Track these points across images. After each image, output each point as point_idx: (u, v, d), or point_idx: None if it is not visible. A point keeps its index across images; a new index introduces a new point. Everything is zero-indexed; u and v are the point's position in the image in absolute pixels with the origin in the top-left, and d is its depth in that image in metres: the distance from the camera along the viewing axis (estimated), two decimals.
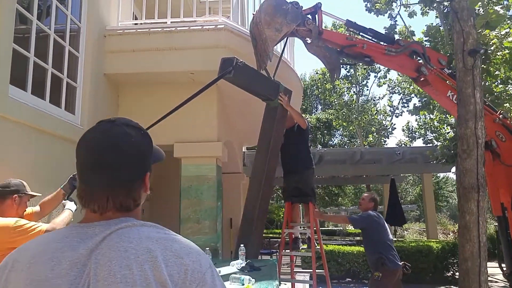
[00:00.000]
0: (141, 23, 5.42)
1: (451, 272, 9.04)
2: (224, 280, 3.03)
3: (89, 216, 0.89)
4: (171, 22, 4.99)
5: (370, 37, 4.81)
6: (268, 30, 3.94)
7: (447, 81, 4.85)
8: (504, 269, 5.11)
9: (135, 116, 5.31)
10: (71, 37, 4.30)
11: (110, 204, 0.87)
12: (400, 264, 4.34)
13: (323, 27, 4.48)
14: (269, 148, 4.59)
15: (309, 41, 4.38)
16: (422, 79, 4.74)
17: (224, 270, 3.47)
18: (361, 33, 4.90)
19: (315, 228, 4.86)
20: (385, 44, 4.71)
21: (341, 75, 22.49)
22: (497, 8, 3.60)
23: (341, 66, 4.67)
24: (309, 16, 4.30)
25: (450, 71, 4.89)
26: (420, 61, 4.75)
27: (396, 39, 5.00)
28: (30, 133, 3.42)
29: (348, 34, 4.58)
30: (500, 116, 4.81)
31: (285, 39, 4.53)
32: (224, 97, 5.46)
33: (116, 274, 0.77)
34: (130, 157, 0.90)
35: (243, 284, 2.84)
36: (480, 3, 3.51)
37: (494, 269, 9.40)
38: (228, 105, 5.97)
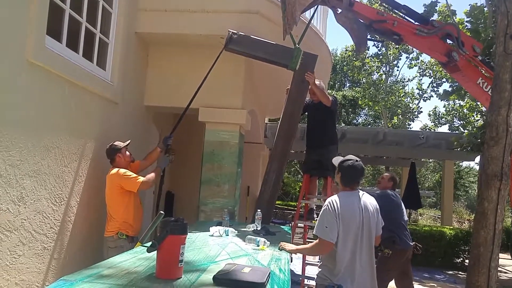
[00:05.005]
0: None
1: (461, 259, 9.05)
2: (240, 240, 3.13)
3: (350, 188, 2.95)
4: None
5: (403, 15, 4.64)
6: None
7: (480, 68, 4.67)
8: None
9: (163, 76, 5.37)
10: None
11: (358, 186, 3.01)
12: (411, 244, 4.37)
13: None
14: (282, 113, 4.61)
15: (339, 11, 4.27)
16: (452, 64, 4.57)
17: (240, 231, 3.59)
18: (394, 10, 4.74)
19: None
20: (417, 23, 4.54)
21: (371, 54, 21.94)
22: None
23: (368, 41, 4.53)
24: None
25: (482, 57, 4.69)
26: (452, 45, 4.57)
27: (430, 19, 4.80)
28: (64, 85, 3.43)
29: (379, 9, 4.41)
30: None
31: (315, 7, 4.43)
32: (251, 66, 5.44)
33: (368, 202, 2.95)
34: None
35: (258, 246, 2.93)
36: None
37: (506, 260, 9.35)
38: (255, 75, 5.93)
